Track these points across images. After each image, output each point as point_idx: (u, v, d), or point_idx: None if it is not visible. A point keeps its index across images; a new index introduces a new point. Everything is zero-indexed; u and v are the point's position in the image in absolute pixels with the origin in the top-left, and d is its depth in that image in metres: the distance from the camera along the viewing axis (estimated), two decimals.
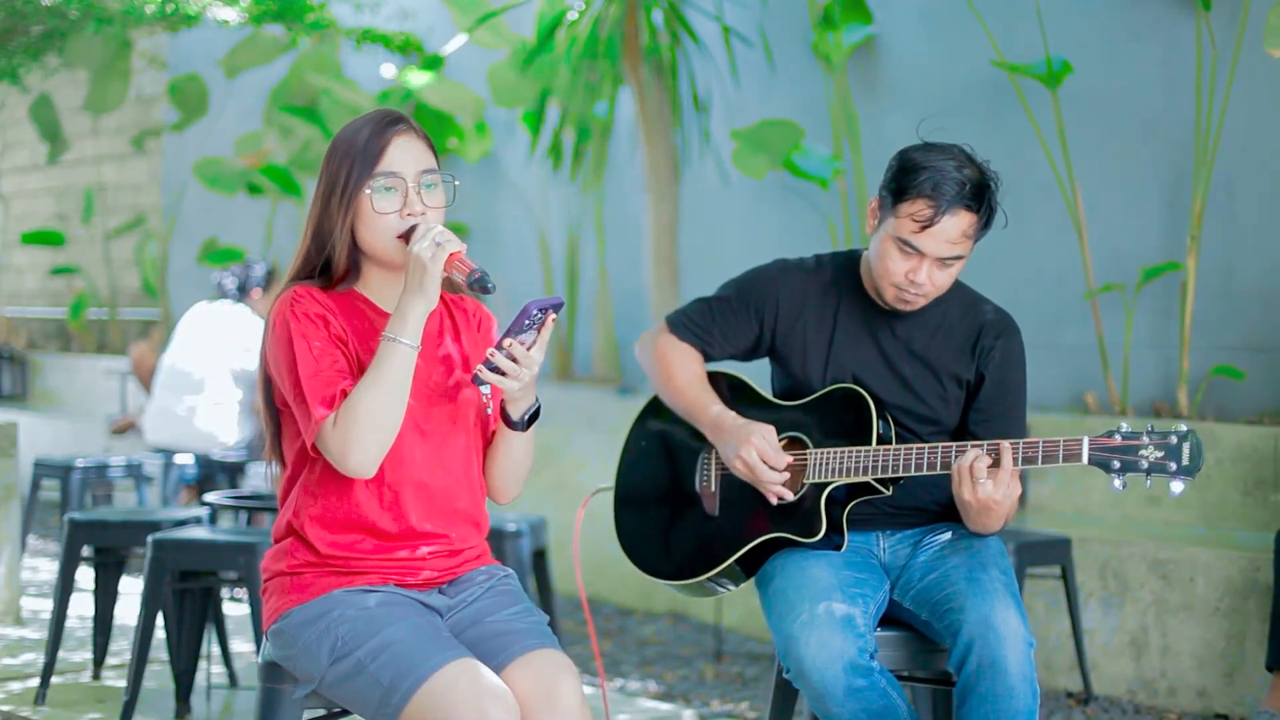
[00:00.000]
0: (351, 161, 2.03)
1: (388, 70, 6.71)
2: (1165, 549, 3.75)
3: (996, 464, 2.24)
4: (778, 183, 5.40)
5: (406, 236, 2.00)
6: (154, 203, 9.17)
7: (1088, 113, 4.63)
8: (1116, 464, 2.17)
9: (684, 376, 2.52)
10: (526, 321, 1.96)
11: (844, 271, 2.49)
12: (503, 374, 1.98)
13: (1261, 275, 4.35)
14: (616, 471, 2.67)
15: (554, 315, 1.99)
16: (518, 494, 2.20)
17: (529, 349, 1.98)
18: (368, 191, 2.01)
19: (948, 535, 2.45)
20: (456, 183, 2.11)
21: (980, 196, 2.31)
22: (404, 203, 2.02)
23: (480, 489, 2.17)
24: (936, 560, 2.39)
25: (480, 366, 2.00)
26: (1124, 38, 4.64)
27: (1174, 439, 2.14)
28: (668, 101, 5.85)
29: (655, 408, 2.65)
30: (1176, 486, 2.14)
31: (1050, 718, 3.61)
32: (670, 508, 2.60)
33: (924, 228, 2.28)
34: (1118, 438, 2.18)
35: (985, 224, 2.34)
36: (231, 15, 5.88)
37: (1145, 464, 2.15)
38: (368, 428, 1.96)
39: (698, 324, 2.54)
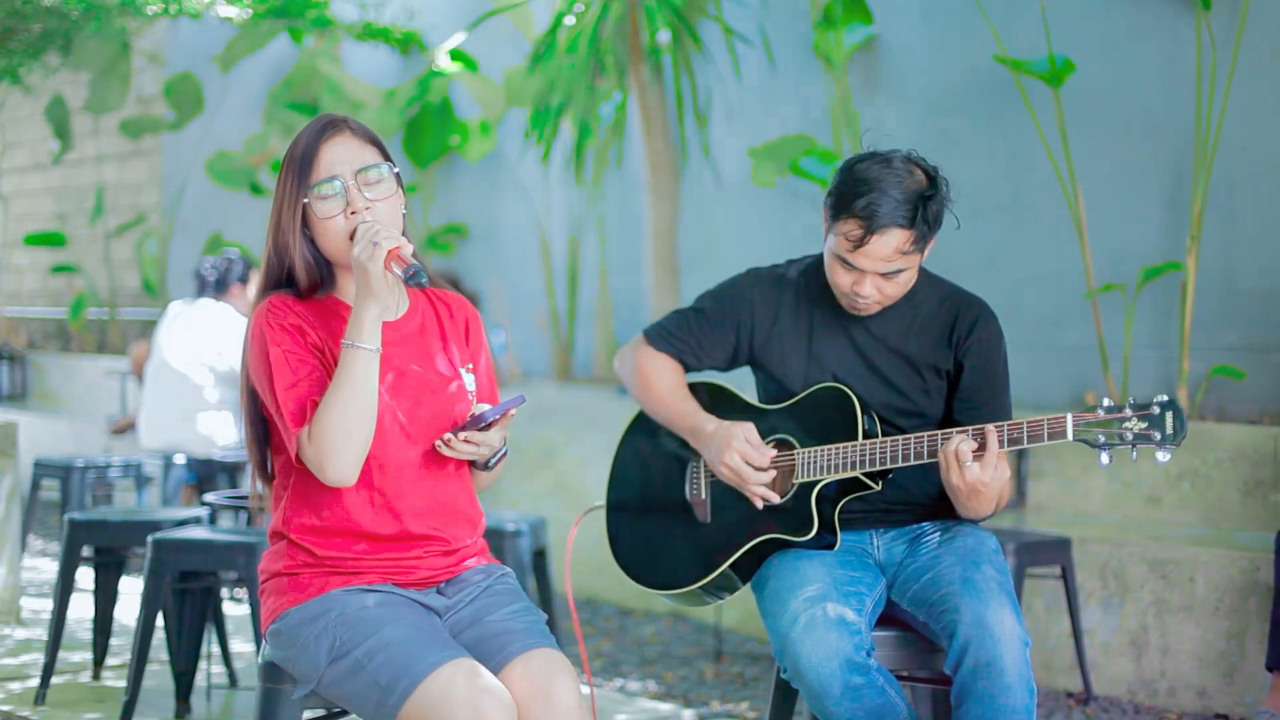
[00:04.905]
0: (292, 173, 2.04)
1: (443, 60, 6.66)
2: (1165, 549, 3.75)
3: (983, 448, 2.24)
4: (778, 183, 5.41)
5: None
6: (154, 202, 9.19)
7: (1089, 111, 4.63)
8: (1101, 438, 2.17)
9: (663, 387, 2.55)
10: (482, 424, 2.02)
11: (816, 274, 2.50)
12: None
13: (1261, 275, 4.36)
14: (607, 487, 2.68)
15: (514, 411, 2.05)
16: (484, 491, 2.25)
17: (488, 429, 2.03)
18: (306, 200, 2.02)
19: (941, 534, 2.45)
20: (397, 170, 2.10)
21: (915, 212, 2.31)
22: (346, 203, 2.03)
23: (469, 487, 2.18)
24: (931, 560, 2.39)
25: (437, 443, 2.05)
26: (1125, 36, 4.64)
27: (1156, 409, 2.14)
28: (668, 101, 5.86)
29: (642, 421, 2.66)
30: (1162, 456, 2.15)
31: (1050, 718, 3.60)
32: (663, 519, 2.61)
33: (856, 247, 2.31)
34: (1101, 413, 2.18)
35: (923, 234, 2.35)
36: (234, 13, 5.90)
37: (1130, 436, 2.15)
38: (339, 437, 1.96)
39: (675, 335, 2.57)
